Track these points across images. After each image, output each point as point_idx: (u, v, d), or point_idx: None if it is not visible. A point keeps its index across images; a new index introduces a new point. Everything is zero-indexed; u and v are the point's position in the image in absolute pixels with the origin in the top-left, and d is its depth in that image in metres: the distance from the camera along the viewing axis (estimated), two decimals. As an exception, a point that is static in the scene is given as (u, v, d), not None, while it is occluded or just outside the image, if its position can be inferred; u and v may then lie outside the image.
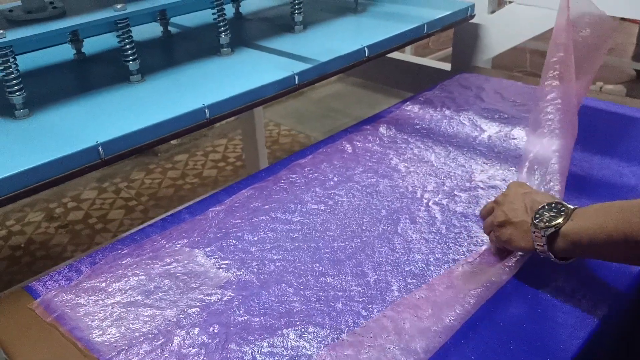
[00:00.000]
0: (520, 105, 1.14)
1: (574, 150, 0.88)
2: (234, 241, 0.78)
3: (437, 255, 0.74)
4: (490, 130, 1.05)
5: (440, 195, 0.87)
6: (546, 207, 0.65)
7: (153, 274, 0.72)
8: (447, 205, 0.84)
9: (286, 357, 0.60)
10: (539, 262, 0.69)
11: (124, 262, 0.75)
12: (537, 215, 0.65)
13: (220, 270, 0.73)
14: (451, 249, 0.75)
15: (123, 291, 0.70)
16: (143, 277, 0.72)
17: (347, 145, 1.03)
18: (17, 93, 0.82)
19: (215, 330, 0.63)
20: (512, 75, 1.31)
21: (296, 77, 0.96)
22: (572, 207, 0.64)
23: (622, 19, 3.62)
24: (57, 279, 0.73)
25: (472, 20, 1.31)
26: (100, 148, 0.75)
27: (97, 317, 0.66)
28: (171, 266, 0.73)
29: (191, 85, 0.92)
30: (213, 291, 0.69)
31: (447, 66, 1.50)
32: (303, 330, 0.63)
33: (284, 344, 0.61)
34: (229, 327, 0.64)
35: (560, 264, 0.65)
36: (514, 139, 1.02)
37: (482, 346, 0.61)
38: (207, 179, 2.37)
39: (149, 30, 1.18)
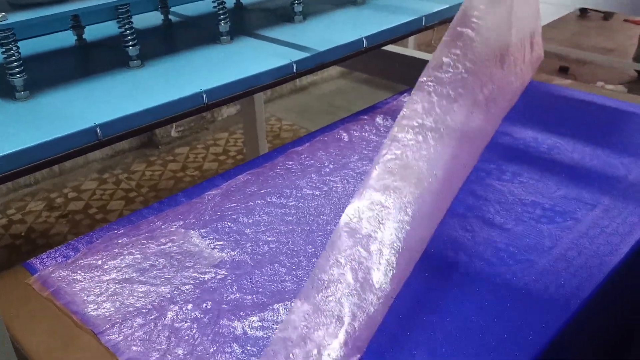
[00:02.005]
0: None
1: (566, 141, 0.89)
2: (229, 223, 0.79)
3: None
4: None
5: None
6: None
7: (148, 253, 0.74)
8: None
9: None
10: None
11: (120, 241, 0.76)
12: None
13: (215, 250, 0.74)
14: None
15: (118, 269, 0.71)
16: (138, 255, 0.73)
17: (344, 134, 1.04)
18: (18, 75, 0.83)
19: (208, 307, 0.65)
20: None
21: (294, 65, 0.97)
22: None
23: (625, 20, 3.64)
24: (55, 256, 0.75)
25: (471, 15, 1.32)
26: (98, 129, 0.76)
27: (92, 293, 0.68)
28: (166, 246, 0.75)
29: (190, 71, 0.93)
30: (207, 270, 0.70)
31: (446, 61, 1.51)
32: None
33: (275, 318, 0.62)
34: (222, 303, 0.65)
35: None
36: (505, 132, 1.03)
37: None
38: (207, 171, 2.38)
39: (150, 19, 1.19)
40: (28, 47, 1.04)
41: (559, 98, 1.16)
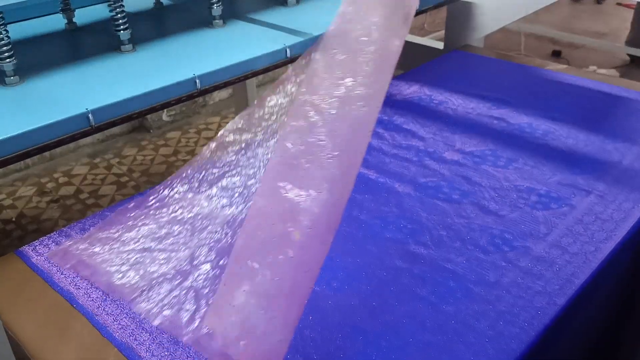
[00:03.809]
0: (509, 84, 1.15)
1: (561, 127, 0.89)
2: (232, 179, 0.79)
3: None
4: (478, 107, 1.06)
5: (428, 177, 0.88)
6: None
7: (162, 222, 0.74)
8: (436, 181, 0.85)
9: None
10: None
11: (132, 214, 0.77)
12: None
13: (225, 208, 0.74)
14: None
15: (136, 239, 0.72)
16: (153, 225, 0.74)
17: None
18: (8, 60, 0.81)
19: (225, 262, 0.65)
20: (503, 55, 1.32)
21: (287, 50, 0.96)
22: None
23: (618, 3, 3.63)
24: (47, 243, 0.74)
25: (465, -2, 1.32)
26: (90, 115, 0.75)
27: (114, 264, 0.69)
28: (177, 213, 0.76)
29: (182, 55, 0.92)
30: (219, 229, 0.71)
31: (439, 44, 1.50)
32: None
33: None
34: None
35: None
36: (499, 117, 1.02)
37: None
38: (199, 156, 2.37)
39: (141, 2, 1.17)
40: (18, 30, 1.03)
41: (553, 83, 1.16)
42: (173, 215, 0.75)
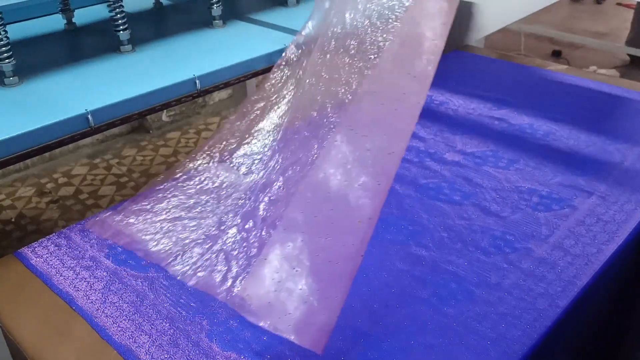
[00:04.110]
0: (509, 84, 1.15)
1: (562, 127, 0.89)
2: (251, 147, 0.82)
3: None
4: (479, 108, 1.06)
5: (429, 179, 0.87)
6: None
7: (190, 193, 0.78)
8: (437, 182, 0.85)
9: None
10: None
11: (161, 187, 0.80)
12: None
13: (247, 176, 0.78)
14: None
15: (167, 210, 0.76)
16: (182, 197, 0.78)
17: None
18: (7, 61, 0.81)
19: (251, 225, 0.69)
20: (503, 55, 1.31)
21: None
22: None
23: (618, 3, 3.63)
24: (46, 244, 0.74)
25: (466, -1, 1.31)
26: (89, 116, 0.75)
27: (148, 232, 0.73)
28: (204, 183, 0.79)
29: (182, 56, 0.92)
30: (243, 195, 0.75)
31: (440, 45, 1.50)
32: None
33: None
34: (263, 221, 0.68)
35: None
36: (500, 118, 1.02)
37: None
38: (199, 156, 2.36)
39: (141, 2, 1.17)
40: (17, 30, 1.02)
41: (553, 83, 1.15)
42: (199, 186, 0.79)
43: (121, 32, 0.91)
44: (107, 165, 2.30)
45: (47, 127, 0.72)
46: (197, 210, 0.76)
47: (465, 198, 0.81)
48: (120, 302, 0.65)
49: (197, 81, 0.85)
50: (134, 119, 0.81)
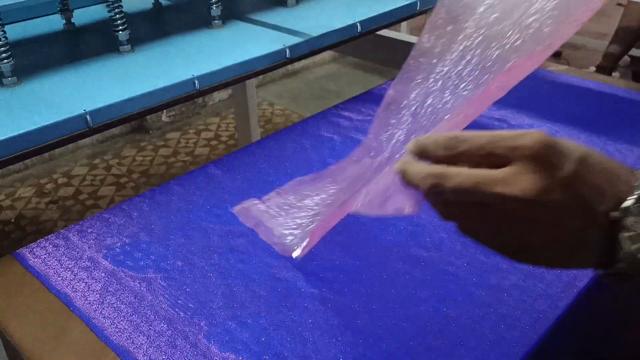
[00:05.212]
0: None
1: (562, 128, 0.88)
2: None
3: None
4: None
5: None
6: None
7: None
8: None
9: None
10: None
11: (308, 185, 0.78)
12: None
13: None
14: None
15: (310, 207, 0.73)
16: (324, 195, 0.74)
17: (340, 120, 1.03)
18: (6, 61, 0.81)
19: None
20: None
21: (287, 50, 0.95)
22: None
23: (618, 3, 3.62)
24: (44, 245, 0.74)
25: (466, -1, 1.31)
26: (88, 116, 0.75)
27: (289, 227, 0.70)
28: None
29: (181, 56, 0.92)
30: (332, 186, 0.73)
31: (440, 45, 1.49)
32: None
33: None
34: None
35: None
36: (500, 119, 1.02)
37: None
38: (199, 157, 2.36)
39: (140, 2, 1.17)
40: (16, 30, 1.02)
41: (553, 84, 1.15)
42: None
43: (120, 32, 0.91)
44: (106, 165, 2.30)
45: (46, 127, 0.71)
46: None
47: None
48: (118, 303, 0.65)
49: (196, 81, 0.84)
50: (133, 120, 0.81)
